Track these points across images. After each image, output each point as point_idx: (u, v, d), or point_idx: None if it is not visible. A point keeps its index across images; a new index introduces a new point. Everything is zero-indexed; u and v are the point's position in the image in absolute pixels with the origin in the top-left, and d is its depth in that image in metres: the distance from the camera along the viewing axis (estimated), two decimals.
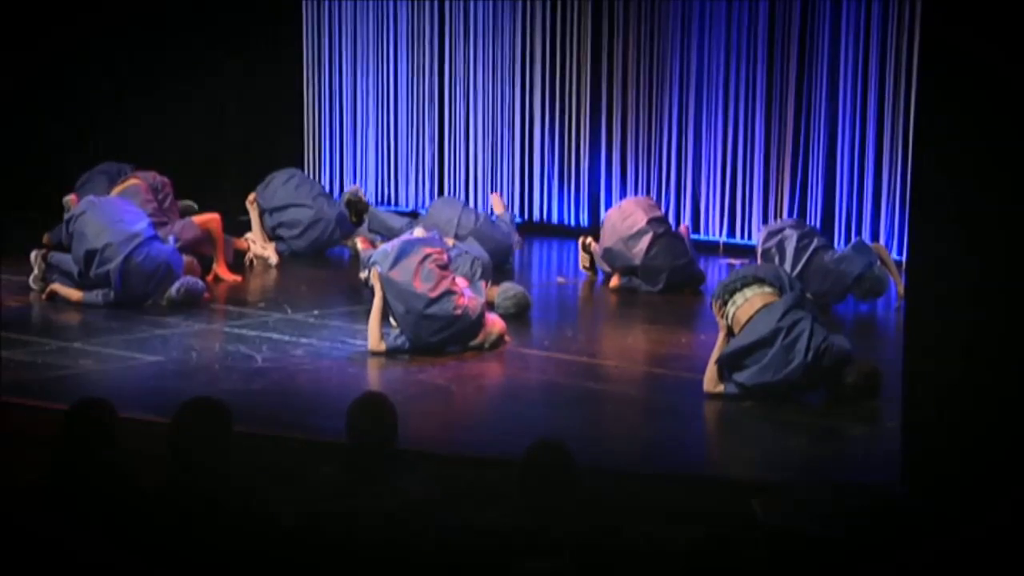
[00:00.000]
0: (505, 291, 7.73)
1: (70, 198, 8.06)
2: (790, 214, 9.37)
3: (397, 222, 9.03)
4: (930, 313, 4.55)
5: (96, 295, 7.64)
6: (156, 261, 7.66)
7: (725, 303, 6.34)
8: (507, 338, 7.09)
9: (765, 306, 6.26)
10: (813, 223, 9.21)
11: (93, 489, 4.11)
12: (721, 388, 6.26)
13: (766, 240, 8.20)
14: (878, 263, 8.10)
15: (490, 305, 7.42)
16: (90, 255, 7.60)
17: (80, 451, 4.22)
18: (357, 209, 9.33)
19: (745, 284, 6.35)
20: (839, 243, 9.07)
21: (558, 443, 4.17)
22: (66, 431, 4.28)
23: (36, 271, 7.90)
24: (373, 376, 6.71)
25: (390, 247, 7.14)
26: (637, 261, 8.40)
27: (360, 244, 8.28)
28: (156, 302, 7.66)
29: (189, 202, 10.04)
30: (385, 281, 6.92)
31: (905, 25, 9.03)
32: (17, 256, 8.21)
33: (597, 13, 9.99)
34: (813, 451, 5.79)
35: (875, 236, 9.17)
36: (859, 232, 9.22)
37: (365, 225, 9.21)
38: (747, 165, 9.68)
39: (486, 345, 7.03)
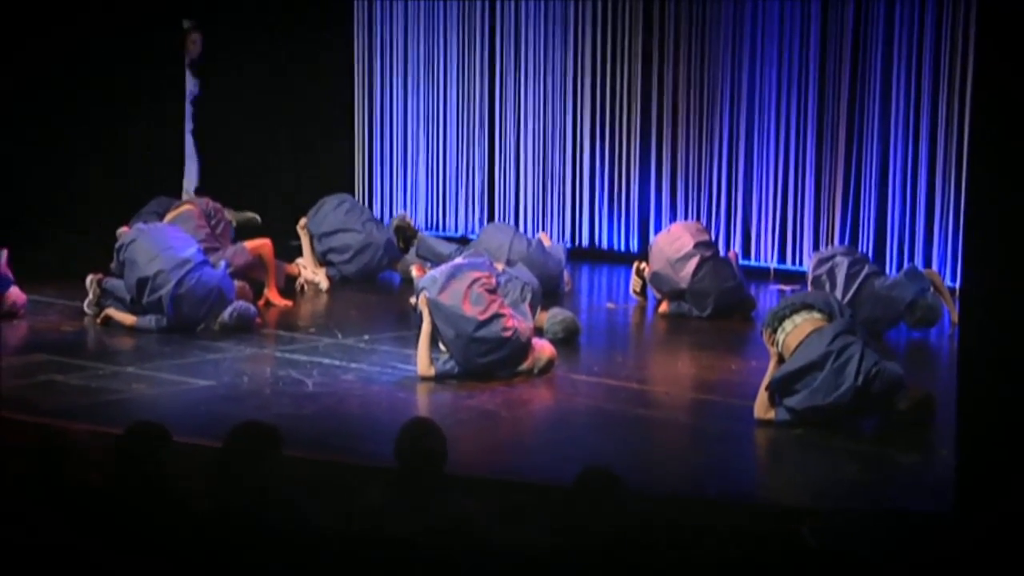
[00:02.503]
0: (554, 316, 7.73)
1: (123, 230, 8.16)
2: (841, 240, 9.32)
3: (445, 248, 9.06)
4: (984, 340, 4.50)
5: (149, 320, 7.71)
6: (207, 286, 7.72)
7: (775, 331, 6.32)
8: (556, 363, 7.09)
9: (815, 331, 6.23)
10: (865, 249, 9.16)
11: (145, 512, 4.14)
12: (772, 414, 6.23)
13: (817, 267, 8.16)
14: (931, 290, 8.03)
15: (539, 330, 7.42)
16: (142, 282, 7.68)
17: (133, 474, 4.26)
18: (405, 235, 9.38)
19: (794, 311, 6.32)
20: (891, 270, 9.01)
21: (607, 469, 4.16)
22: (120, 454, 4.33)
23: (91, 296, 7.99)
24: (422, 401, 6.72)
25: (439, 272, 7.17)
26: (684, 285, 8.39)
27: (415, 271, 8.32)
28: (208, 327, 7.73)
29: (251, 214, 10.13)
30: (434, 306, 6.94)
31: (959, 49, 8.98)
32: (73, 281, 8.32)
33: (647, 38, 10.00)
34: (864, 478, 5.74)
35: (928, 262, 9.10)
36: (911, 258, 9.16)
37: (413, 251, 9.25)
38: (798, 191, 9.65)
39: (535, 370, 7.03)
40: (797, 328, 6.27)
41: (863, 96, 9.35)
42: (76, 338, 7.70)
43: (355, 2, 10.95)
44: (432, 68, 10.86)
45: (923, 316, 7.95)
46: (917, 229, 9.25)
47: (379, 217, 10.22)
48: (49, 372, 6.85)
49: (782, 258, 9.72)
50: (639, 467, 5.63)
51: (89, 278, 8.06)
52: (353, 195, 10.56)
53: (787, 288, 9.14)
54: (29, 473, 4.37)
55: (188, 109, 10.46)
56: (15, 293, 8.01)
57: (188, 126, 10.44)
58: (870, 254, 9.08)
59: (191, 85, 10.33)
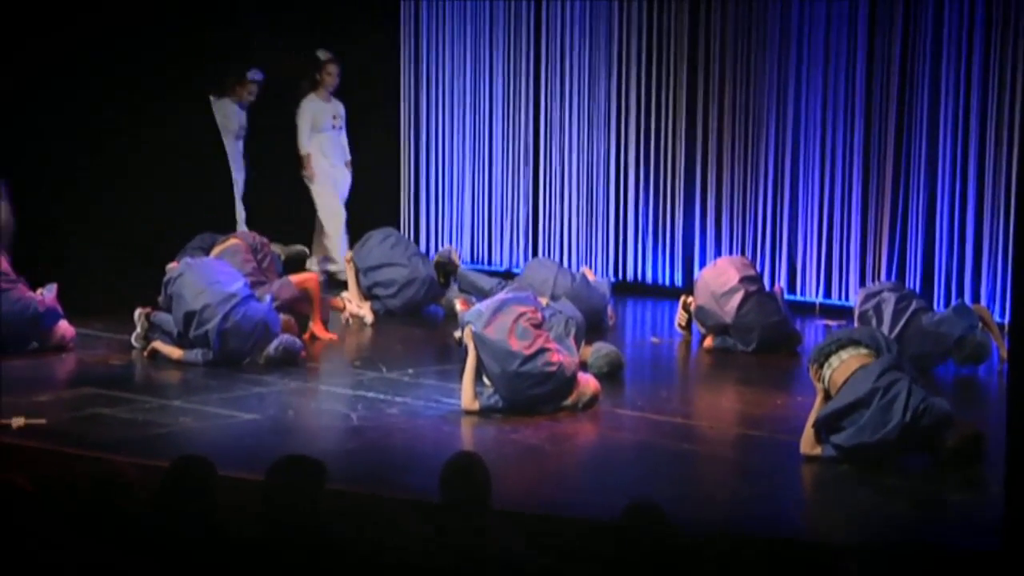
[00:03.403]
0: (598, 350, 7.72)
1: (171, 265, 8.24)
2: (888, 275, 9.26)
3: (486, 282, 9.07)
4: None
5: (196, 354, 7.77)
6: (253, 320, 7.77)
7: (821, 366, 6.28)
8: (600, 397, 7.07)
9: (861, 367, 6.18)
10: (912, 284, 9.10)
11: (191, 545, 4.16)
12: (819, 450, 6.18)
13: (863, 302, 8.11)
14: (980, 326, 7.96)
15: (583, 365, 7.41)
16: (189, 316, 7.73)
17: (179, 508, 4.28)
18: (445, 271, 9.41)
19: (840, 346, 6.28)
20: (939, 305, 8.93)
21: (652, 504, 4.14)
22: (166, 488, 4.35)
23: (139, 329, 8.06)
24: (467, 435, 6.72)
25: (484, 307, 7.17)
26: (729, 319, 8.36)
27: (459, 305, 8.35)
28: (254, 361, 7.77)
29: (300, 247, 10.20)
30: (479, 339, 6.95)
31: (1007, 83, 8.93)
32: (121, 315, 8.39)
33: (692, 71, 10.01)
34: (912, 515, 5.68)
35: (976, 298, 9.02)
36: (959, 294, 9.08)
37: (455, 285, 9.27)
38: (844, 225, 9.60)
39: (579, 405, 7.01)
40: (843, 364, 6.23)
41: (910, 130, 9.30)
42: (124, 371, 7.76)
43: (401, 37, 11.03)
44: (477, 103, 10.91)
45: (972, 352, 7.87)
46: (965, 264, 9.17)
47: (424, 251, 10.25)
48: (97, 405, 6.91)
49: (828, 293, 9.67)
50: (684, 502, 5.59)
51: (137, 312, 8.13)
52: (399, 229, 10.61)
53: (833, 323, 9.09)
54: (77, 506, 4.40)
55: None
56: (64, 327, 8.09)
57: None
58: (917, 289, 9.01)
59: (326, 114, 10.36)
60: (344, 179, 10.62)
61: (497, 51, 10.75)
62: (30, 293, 8.02)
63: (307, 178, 10.45)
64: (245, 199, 10.50)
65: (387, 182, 11.06)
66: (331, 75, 10.36)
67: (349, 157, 10.66)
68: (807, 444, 6.21)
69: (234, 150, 10.49)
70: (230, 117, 10.44)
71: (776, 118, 9.75)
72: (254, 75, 10.48)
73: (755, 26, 9.76)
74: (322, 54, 10.38)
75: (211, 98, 10.37)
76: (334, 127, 10.46)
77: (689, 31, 10.00)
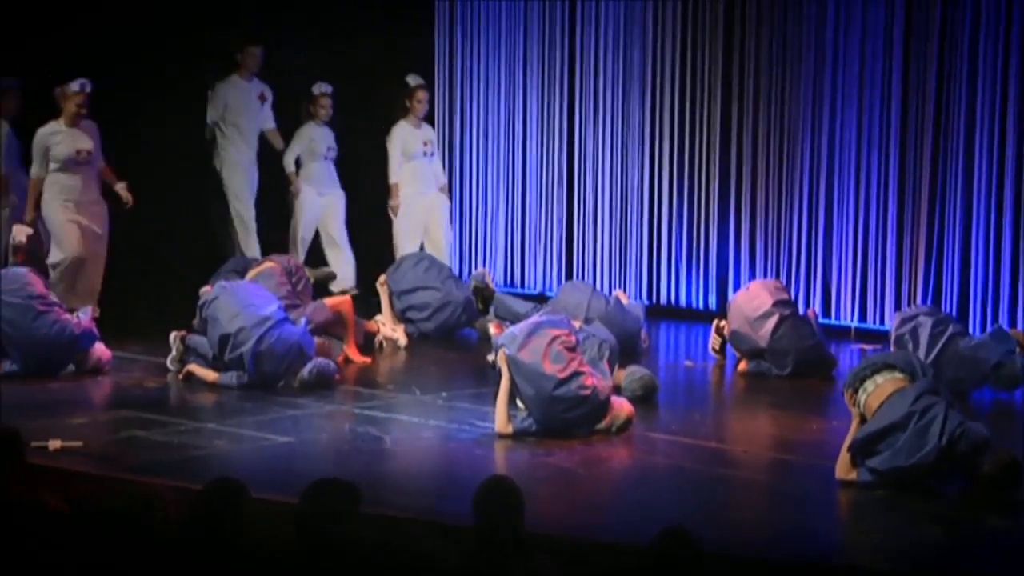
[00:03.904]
0: (632, 374, 7.71)
1: (205, 288, 8.28)
2: (924, 299, 9.20)
3: (522, 307, 9.07)
4: None
5: (231, 377, 7.80)
6: (287, 343, 7.80)
7: (856, 391, 6.24)
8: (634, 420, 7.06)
9: (897, 391, 6.15)
10: (948, 309, 9.03)
11: (224, 568, 4.17)
12: (854, 475, 6.15)
13: (899, 326, 8.06)
14: (1018, 350, 7.89)
15: (617, 388, 7.40)
16: (224, 340, 7.77)
17: (212, 530, 4.30)
18: (483, 296, 9.41)
19: (876, 371, 6.25)
20: (975, 330, 8.87)
21: (685, 528, 4.12)
22: (199, 510, 4.37)
23: (174, 352, 8.10)
24: (500, 459, 6.71)
25: (518, 330, 7.17)
26: (763, 343, 8.33)
27: (493, 328, 8.35)
28: (288, 383, 7.79)
29: (329, 269, 10.22)
30: (513, 363, 6.95)
31: None
32: (156, 338, 8.45)
33: (727, 93, 10.00)
34: (948, 541, 5.63)
35: (1013, 322, 8.95)
36: (996, 319, 9.00)
37: (492, 311, 9.27)
38: (879, 248, 9.55)
39: (613, 428, 7.00)
40: (879, 388, 6.19)
41: (946, 152, 9.25)
42: (159, 394, 7.80)
43: (436, 61, 11.07)
44: (511, 125, 10.93)
45: (1009, 377, 7.81)
46: (1002, 288, 9.10)
47: (458, 274, 10.26)
48: (132, 428, 6.94)
49: (863, 317, 9.61)
50: (718, 527, 5.57)
51: (173, 335, 8.17)
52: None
53: (868, 347, 9.04)
54: (111, 527, 4.42)
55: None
56: (100, 349, 8.15)
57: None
58: (954, 313, 8.95)
59: (417, 141, 10.28)
60: (438, 205, 10.45)
61: (531, 74, 10.78)
62: (66, 316, 8.08)
63: (392, 208, 10.32)
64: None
65: None
66: (421, 101, 10.23)
67: (444, 181, 10.57)
68: (842, 468, 6.18)
69: (323, 172, 10.37)
70: (316, 139, 10.34)
71: (811, 140, 9.72)
72: (321, 87, 10.36)
73: (790, 48, 9.75)
74: (412, 79, 10.28)
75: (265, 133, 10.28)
76: (425, 153, 10.36)
77: (723, 53, 10.00)
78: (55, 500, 4.67)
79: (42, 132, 8.88)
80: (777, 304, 8.39)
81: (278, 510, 5.24)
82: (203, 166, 10.34)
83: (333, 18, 10.68)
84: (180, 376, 7.98)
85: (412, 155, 10.33)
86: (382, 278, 9.58)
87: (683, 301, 10.29)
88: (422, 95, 10.29)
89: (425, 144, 10.37)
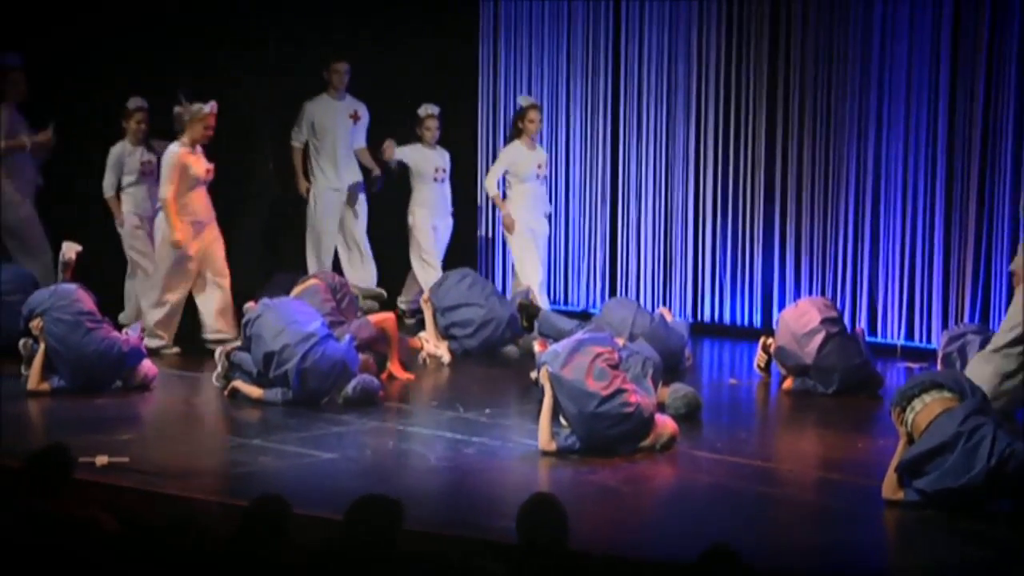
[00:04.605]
0: (676, 391, 7.68)
1: (250, 305, 8.33)
2: (972, 317, 9.12)
3: (567, 324, 9.06)
4: None
5: (275, 393, 7.84)
6: (332, 360, 7.82)
7: (904, 410, 6.19)
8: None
9: (945, 411, 6.09)
10: (996, 327, 8.93)
11: None
12: (901, 495, 6.09)
13: (947, 345, 8.00)
14: None
15: (661, 406, 7.37)
16: (268, 357, 7.81)
17: (257, 546, 4.31)
18: (528, 313, 9.40)
19: (923, 390, 6.19)
20: None
21: (730, 547, 4.10)
22: (244, 526, 4.39)
23: (220, 369, 8.15)
24: (544, 476, 6.70)
25: (561, 347, 7.17)
26: (809, 361, 8.28)
27: (537, 345, 8.35)
28: (332, 400, 7.82)
29: (379, 290, 10.22)
30: (556, 380, 6.94)
31: None
32: (202, 355, 8.50)
33: (771, 110, 9.96)
34: (997, 563, 5.56)
35: None
36: None
37: (537, 328, 9.26)
38: (926, 266, 9.47)
39: (657, 446, 6.97)
40: (926, 408, 6.14)
41: (993, 169, 9.17)
42: (204, 410, 7.84)
43: (479, 86, 11.10)
44: (554, 142, 10.94)
45: None
46: None
47: (501, 291, 10.27)
48: (178, 444, 6.99)
49: (910, 335, 9.54)
50: (762, 547, 5.53)
51: (218, 351, 8.22)
52: (476, 269, 10.64)
53: (915, 366, 8.96)
54: (157, 543, 4.45)
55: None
56: (147, 366, 8.21)
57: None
58: None
59: (531, 163, 10.06)
60: (542, 232, 10.29)
61: (575, 92, 10.79)
62: (115, 333, 8.15)
63: (507, 226, 10.16)
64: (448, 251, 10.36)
65: (465, 222, 11.10)
66: (533, 122, 10.06)
67: (550, 209, 10.40)
68: (889, 489, 6.12)
69: (435, 196, 10.29)
70: (422, 161, 10.26)
71: (856, 156, 9.67)
72: (428, 109, 10.26)
73: (835, 66, 9.70)
74: (523, 99, 10.15)
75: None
76: (538, 176, 10.17)
77: (768, 70, 9.97)
78: (106, 517, 4.70)
79: (174, 153, 8.93)
80: (825, 321, 8.35)
81: (322, 526, 5.25)
82: (258, 183, 10.40)
83: (378, 28, 10.72)
84: (225, 393, 8.03)
85: (525, 177, 10.11)
86: (426, 294, 9.60)
87: (727, 319, 10.24)
88: (533, 115, 10.06)
89: (539, 167, 10.07)
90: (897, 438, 6.24)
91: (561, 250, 10.92)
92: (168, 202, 8.92)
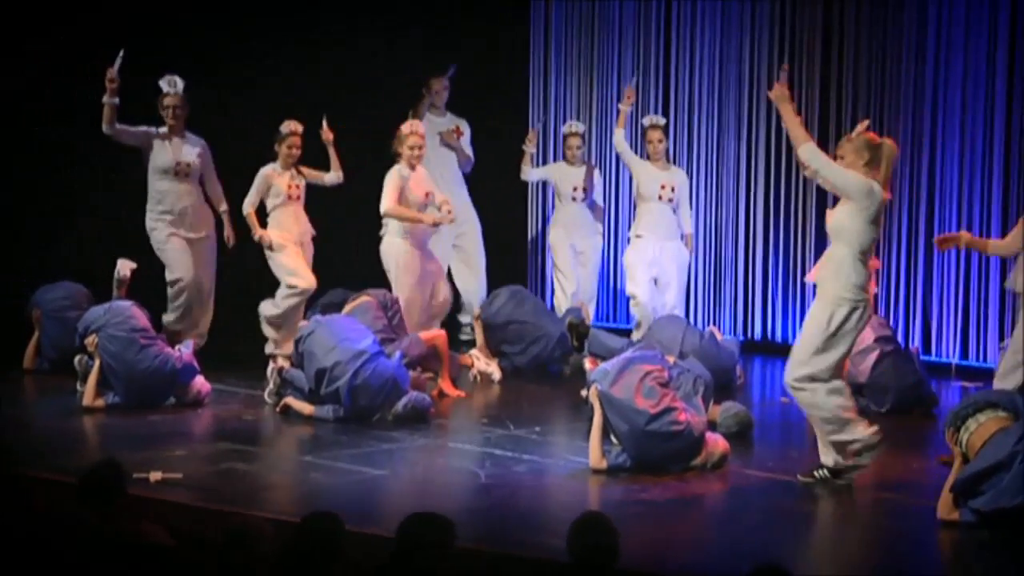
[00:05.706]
0: (727, 410, 7.65)
1: (303, 323, 8.38)
2: None
3: (617, 342, 9.04)
4: None
5: (327, 410, 7.87)
6: (383, 377, 7.85)
7: (958, 430, 6.13)
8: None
9: (1000, 430, 6.03)
10: None
11: None
12: (956, 515, 6.03)
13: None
14: None
15: (712, 424, 7.34)
16: (320, 374, 7.85)
17: (309, 563, 4.33)
18: (578, 332, 9.39)
19: (978, 409, 6.13)
20: None
21: (781, 566, 4.07)
22: (296, 543, 4.40)
23: (271, 385, 8.20)
24: (594, 494, 6.69)
25: (610, 365, 7.16)
26: (863, 379, 8.22)
27: (587, 363, 8.34)
28: (383, 417, 7.85)
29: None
30: (606, 398, 6.93)
31: None
32: (255, 372, 8.55)
33: (824, 124, 9.89)
34: None
35: None
36: None
37: (587, 347, 9.25)
38: (981, 284, 9.38)
39: (708, 465, 6.94)
40: (981, 427, 6.08)
41: None
42: (257, 427, 7.89)
43: (530, 107, 11.11)
44: (603, 160, 10.94)
45: None
46: None
47: (551, 308, 10.26)
48: (231, 460, 7.03)
49: (964, 354, 9.44)
50: (814, 565, 5.49)
51: (270, 368, 8.28)
52: (527, 286, 10.64)
53: (970, 385, 8.87)
54: (210, 560, 4.47)
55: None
56: (200, 382, 8.27)
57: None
58: None
59: (655, 183, 9.72)
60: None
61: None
62: (168, 350, 8.22)
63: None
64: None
65: (515, 239, 11.12)
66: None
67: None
68: (944, 508, 6.06)
69: (573, 215, 10.04)
70: (559, 179, 10.08)
71: (911, 172, 9.60)
72: (572, 126, 10.08)
73: (889, 80, 9.65)
74: (647, 120, 9.82)
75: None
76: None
77: (820, 85, 9.92)
78: (162, 532, 4.74)
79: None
80: (879, 340, 8.28)
81: (373, 543, 5.27)
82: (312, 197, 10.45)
83: (434, 33, 10.75)
84: (277, 409, 8.07)
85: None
86: (476, 312, 9.61)
87: (778, 336, 10.19)
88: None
89: (662, 188, 9.69)
90: (952, 458, 6.18)
91: (612, 268, 10.90)
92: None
